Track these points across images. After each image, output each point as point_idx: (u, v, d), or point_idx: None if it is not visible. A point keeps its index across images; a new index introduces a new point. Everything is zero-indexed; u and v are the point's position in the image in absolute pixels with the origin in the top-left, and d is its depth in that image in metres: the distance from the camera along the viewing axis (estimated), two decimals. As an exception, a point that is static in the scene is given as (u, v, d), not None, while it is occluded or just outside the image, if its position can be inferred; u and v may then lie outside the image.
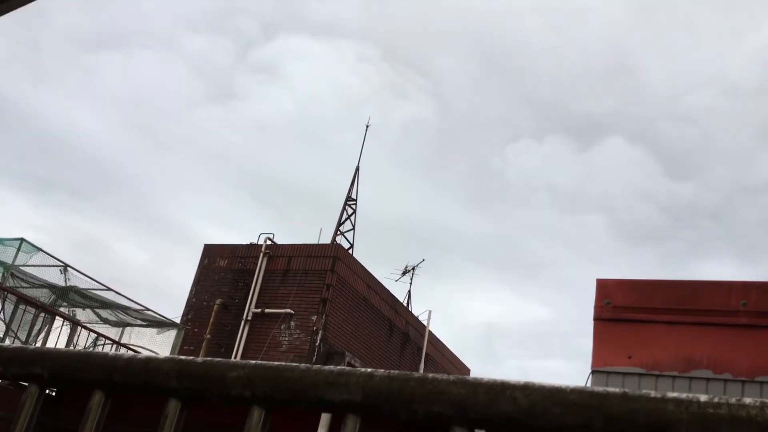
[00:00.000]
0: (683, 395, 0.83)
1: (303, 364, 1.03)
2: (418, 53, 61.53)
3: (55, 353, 1.24)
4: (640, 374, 6.40)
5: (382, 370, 0.99)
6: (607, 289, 6.92)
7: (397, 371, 0.97)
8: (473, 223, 63.09)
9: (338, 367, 1.02)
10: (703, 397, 0.82)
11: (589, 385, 6.60)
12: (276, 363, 1.05)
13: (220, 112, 59.82)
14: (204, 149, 59.40)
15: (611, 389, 0.87)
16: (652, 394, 0.85)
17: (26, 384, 1.26)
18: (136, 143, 59.77)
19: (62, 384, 1.23)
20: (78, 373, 1.18)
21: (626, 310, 6.74)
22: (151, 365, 1.13)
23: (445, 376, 0.95)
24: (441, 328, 53.02)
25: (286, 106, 60.50)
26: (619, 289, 6.93)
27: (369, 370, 0.99)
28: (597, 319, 6.83)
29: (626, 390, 0.87)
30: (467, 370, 28.49)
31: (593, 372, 6.59)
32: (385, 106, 56.36)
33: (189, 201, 61.76)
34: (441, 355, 25.64)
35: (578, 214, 64.95)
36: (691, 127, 62.20)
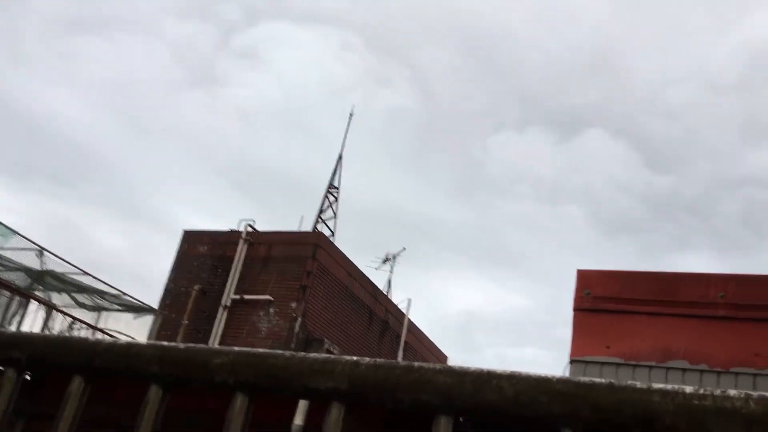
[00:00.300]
0: (669, 386, 0.83)
1: (288, 352, 1.02)
2: (403, 43, 61.38)
3: (34, 338, 1.22)
4: (617, 364, 6.46)
5: (368, 359, 0.98)
6: (587, 280, 6.96)
7: (383, 360, 0.97)
8: (455, 212, 63.27)
9: (323, 355, 1.01)
10: (688, 389, 0.82)
11: (567, 374, 6.65)
12: (260, 350, 1.04)
13: (202, 98, 59.35)
14: (186, 135, 58.91)
15: (597, 380, 0.88)
16: (638, 384, 0.86)
17: (2, 368, 1.24)
18: (117, 129, 59.14)
19: (41, 368, 1.21)
20: (58, 357, 1.17)
21: (606, 301, 6.79)
22: (132, 351, 1.12)
23: (431, 365, 0.94)
24: (420, 317, 53.17)
25: (269, 93, 60.17)
26: (599, 280, 6.98)
27: (355, 358, 0.98)
28: (577, 309, 6.88)
29: (612, 381, 0.87)
30: (445, 358, 28.62)
31: (572, 361, 6.65)
32: (369, 95, 56.21)
33: (170, 187, 61.32)
34: (420, 343, 25.73)
35: (559, 205, 65.35)
36: (672, 121, 62.70)
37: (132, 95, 57.26)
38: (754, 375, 5.85)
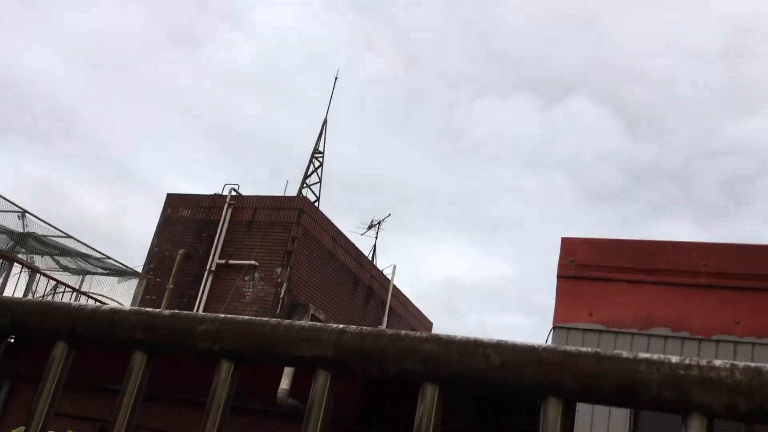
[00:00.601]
0: (655, 356, 0.84)
1: (274, 319, 1.02)
2: (387, 5, 60.74)
3: (16, 303, 1.21)
4: (600, 331, 6.53)
5: (354, 327, 0.98)
6: (571, 248, 7.01)
7: (369, 328, 0.96)
8: (439, 179, 63.30)
9: (309, 323, 1.01)
10: (674, 359, 0.82)
11: (550, 340, 6.73)
12: (246, 317, 1.03)
13: (183, 58, 58.59)
14: (168, 97, 58.27)
15: (583, 349, 0.88)
16: (624, 354, 0.86)
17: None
18: (96, 88, 58.37)
19: (24, 334, 1.20)
20: (40, 324, 1.16)
21: (589, 269, 6.84)
22: (116, 317, 1.11)
23: (417, 334, 0.94)
24: (405, 283, 53.44)
25: (251, 55, 59.47)
26: (583, 248, 7.02)
27: (341, 326, 0.98)
28: (560, 276, 6.93)
29: (598, 350, 0.87)
30: (430, 325, 28.88)
31: (554, 328, 6.72)
32: (352, 59, 55.74)
33: (151, 149, 60.81)
34: (404, 309, 25.92)
35: (542, 172, 65.58)
36: (655, 89, 62.75)
37: (111, 53, 56.38)
38: (735, 343, 5.95)
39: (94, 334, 1.11)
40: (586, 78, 65.56)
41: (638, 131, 66.37)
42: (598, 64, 64.17)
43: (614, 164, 67.22)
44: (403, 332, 0.95)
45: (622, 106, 65.08)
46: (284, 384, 6.39)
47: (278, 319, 1.01)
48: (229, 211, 19.26)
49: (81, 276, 16.92)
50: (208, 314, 1.07)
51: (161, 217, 20.22)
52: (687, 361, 0.82)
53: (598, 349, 0.87)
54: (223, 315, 1.06)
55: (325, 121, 23.94)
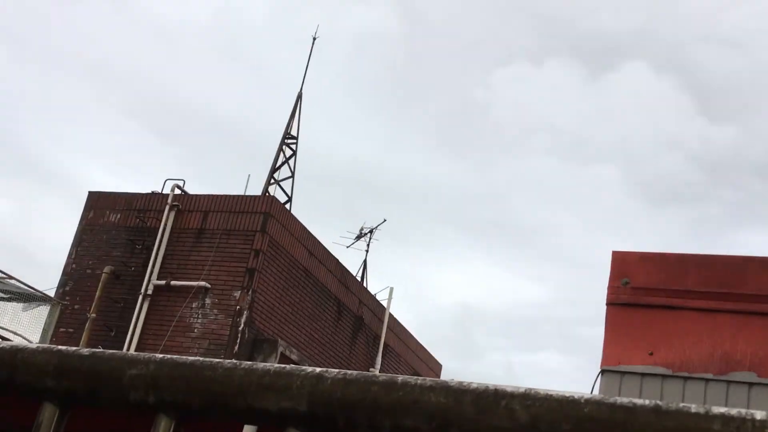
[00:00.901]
0: (734, 411, 0.84)
1: (228, 361, 1.03)
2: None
3: None
4: (663, 375, 6.54)
5: (336, 371, 0.98)
6: (625, 265, 7.02)
7: (355, 372, 0.97)
8: (448, 172, 63.34)
9: (276, 366, 1.01)
10: (759, 414, 0.83)
11: (597, 387, 6.75)
12: (192, 359, 1.03)
13: (106, 10, 58.51)
14: (88, 64, 58.18)
15: (639, 401, 0.88)
16: (694, 408, 0.86)
17: None
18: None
19: None
20: None
21: (649, 293, 6.86)
22: (18, 357, 1.11)
23: (420, 380, 0.95)
24: (405, 311, 53.52)
25: (200, 7, 59.46)
26: (642, 266, 7.04)
27: (318, 370, 0.98)
28: (611, 303, 6.94)
29: (659, 402, 0.88)
30: (438, 366, 28.93)
31: (603, 371, 6.73)
32: (334, 11, 55.80)
33: (67, 132, 60.74)
34: (404, 346, 25.96)
35: (585, 164, 65.70)
36: (735, 52, 62.88)
37: (8, 6, 56.29)
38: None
39: (-11, 381, 1.11)
40: (644, 39, 65.82)
41: (713, 109, 66.70)
42: (659, 22, 64.44)
43: (682, 152, 67.48)
44: (401, 378, 0.95)
45: (691, 76, 65.41)
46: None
47: (235, 361, 1.02)
48: (172, 215, 19.27)
49: (-27, 302, 16.89)
50: (143, 354, 1.07)
51: (80, 222, 20.21)
52: (776, 418, 0.82)
53: (659, 402, 0.88)
54: (161, 355, 1.06)
55: (299, 96, 23.99)
